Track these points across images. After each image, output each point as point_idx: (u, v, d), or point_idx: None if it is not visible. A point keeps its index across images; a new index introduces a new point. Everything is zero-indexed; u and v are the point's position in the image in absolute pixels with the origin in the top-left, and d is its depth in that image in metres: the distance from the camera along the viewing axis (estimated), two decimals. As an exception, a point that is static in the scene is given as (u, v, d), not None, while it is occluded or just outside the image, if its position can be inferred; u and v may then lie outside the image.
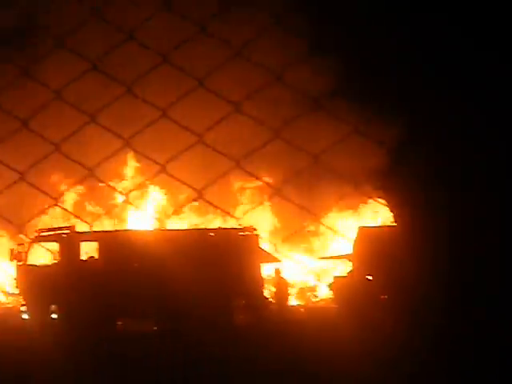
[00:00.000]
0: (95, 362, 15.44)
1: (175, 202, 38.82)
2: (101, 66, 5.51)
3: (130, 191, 38.26)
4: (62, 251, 26.26)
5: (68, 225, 27.28)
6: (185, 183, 5.86)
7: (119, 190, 38.07)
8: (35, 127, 5.56)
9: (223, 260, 25.77)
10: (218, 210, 33.54)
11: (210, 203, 5.70)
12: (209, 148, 5.63)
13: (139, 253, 25.55)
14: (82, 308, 24.85)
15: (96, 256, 26.40)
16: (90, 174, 5.76)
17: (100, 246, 26.25)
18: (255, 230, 27.28)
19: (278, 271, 27.21)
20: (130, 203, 37.65)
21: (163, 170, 5.68)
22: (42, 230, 27.37)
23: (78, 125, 5.74)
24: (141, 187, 40.61)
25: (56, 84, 5.74)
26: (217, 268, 25.53)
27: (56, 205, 6.16)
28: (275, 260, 29.23)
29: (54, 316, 26.21)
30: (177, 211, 37.79)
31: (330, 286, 29.51)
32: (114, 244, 25.99)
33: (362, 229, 29.03)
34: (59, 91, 5.52)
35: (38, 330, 24.13)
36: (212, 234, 27.55)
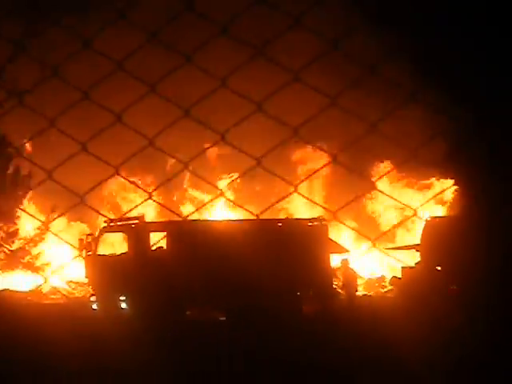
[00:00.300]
0: (165, 351, 15.41)
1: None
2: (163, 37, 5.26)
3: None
4: (131, 241, 26.33)
5: (136, 215, 27.28)
6: (243, 151, 5.58)
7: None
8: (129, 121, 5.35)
9: (292, 250, 25.59)
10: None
11: (269, 171, 5.43)
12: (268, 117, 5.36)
13: (208, 243, 25.49)
14: (152, 298, 24.89)
15: (165, 246, 26.40)
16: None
17: (169, 236, 26.23)
18: (324, 219, 27.02)
19: (345, 262, 26.88)
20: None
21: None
22: (111, 221, 27.50)
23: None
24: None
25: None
26: (286, 258, 25.38)
27: (150, 198, 5.93)
28: (344, 250, 28.97)
29: (124, 306, 26.30)
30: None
31: (393, 279, 29.29)
32: (182, 234, 25.94)
33: (430, 219, 28.58)
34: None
35: (108, 320, 24.23)
36: (281, 224, 27.38)
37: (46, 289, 38.12)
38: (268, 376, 12.70)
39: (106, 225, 27.03)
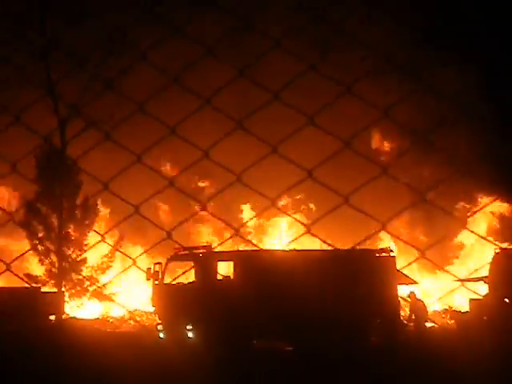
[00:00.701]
0: (232, 381, 15.32)
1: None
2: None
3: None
4: (198, 270, 26.33)
5: (204, 244, 27.35)
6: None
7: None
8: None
9: (360, 280, 25.30)
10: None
11: (358, 209, 5.36)
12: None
13: (275, 272, 25.34)
14: (218, 327, 24.80)
15: (232, 276, 26.35)
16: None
17: (235, 265, 26.19)
18: (392, 250, 26.79)
19: (413, 295, 26.52)
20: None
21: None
22: (178, 249, 27.58)
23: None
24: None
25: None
26: (354, 288, 25.10)
27: (236, 235, 5.89)
28: (412, 282, 28.60)
29: (190, 335, 26.26)
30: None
31: (453, 313, 28.89)
32: (249, 263, 25.86)
33: (499, 251, 28.14)
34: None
35: (174, 349, 24.21)
36: (349, 254, 27.14)
37: (112, 317, 38.44)
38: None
39: (174, 253, 27.12)
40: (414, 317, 26.47)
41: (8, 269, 6.41)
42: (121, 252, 38.40)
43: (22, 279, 36.87)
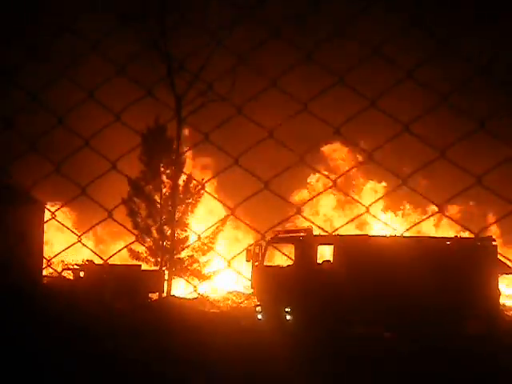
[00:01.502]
0: (329, 364, 15.28)
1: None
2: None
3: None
4: (298, 253, 26.32)
5: (305, 227, 27.28)
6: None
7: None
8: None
9: (460, 269, 24.96)
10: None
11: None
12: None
13: (375, 258, 25.18)
14: (317, 311, 24.80)
15: (331, 260, 26.26)
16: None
17: (335, 249, 26.08)
18: (494, 240, 26.27)
19: None
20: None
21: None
22: (279, 232, 27.62)
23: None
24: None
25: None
26: (453, 277, 24.74)
27: (298, 213, 5.79)
28: (512, 271, 27.95)
29: (288, 318, 26.30)
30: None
31: None
32: (349, 248, 25.73)
33: None
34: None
35: (272, 331, 24.29)
36: (449, 243, 26.71)
37: (211, 297, 38.85)
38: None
39: (274, 235, 27.17)
40: None
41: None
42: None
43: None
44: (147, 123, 37.31)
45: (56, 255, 8.60)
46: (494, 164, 4.91)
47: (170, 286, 37.04)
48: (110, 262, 31.35)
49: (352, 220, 29.29)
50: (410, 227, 41.59)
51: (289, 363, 14.66)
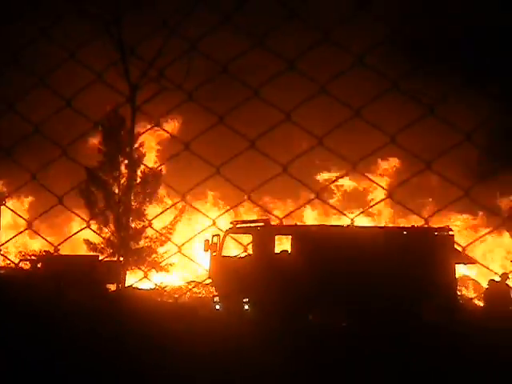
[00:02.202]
0: (287, 355, 15.27)
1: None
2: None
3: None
4: (255, 244, 26.34)
5: (262, 218, 27.34)
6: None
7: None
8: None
9: (417, 259, 25.19)
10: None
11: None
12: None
13: (332, 248, 25.30)
14: (275, 301, 24.85)
15: (289, 249, 26.34)
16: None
17: (293, 239, 26.16)
18: (451, 229, 26.62)
19: (493, 282, 25.51)
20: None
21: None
22: (237, 222, 27.64)
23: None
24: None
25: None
26: (410, 266, 24.98)
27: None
28: (470, 261, 28.29)
29: (247, 308, 26.34)
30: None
31: None
32: (307, 238, 25.82)
33: None
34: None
35: (230, 321, 24.28)
36: (406, 232, 26.96)
37: (169, 288, 38.73)
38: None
39: (231, 226, 27.18)
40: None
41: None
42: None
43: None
44: (102, 110, 37.00)
45: (6, 241, 8.50)
46: (444, 149, 4.95)
47: (125, 276, 36.81)
48: (69, 252, 31.19)
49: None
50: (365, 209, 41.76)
51: (245, 353, 14.63)
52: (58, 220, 42.78)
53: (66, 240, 7.22)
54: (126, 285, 36.76)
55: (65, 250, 30.11)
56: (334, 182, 46.40)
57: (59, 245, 7.02)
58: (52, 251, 33.87)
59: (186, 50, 5.97)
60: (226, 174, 5.49)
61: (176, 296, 36.85)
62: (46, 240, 8.04)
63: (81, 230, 6.81)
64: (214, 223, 5.85)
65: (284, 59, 5.17)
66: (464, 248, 26.02)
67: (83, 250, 37.63)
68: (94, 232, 34.71)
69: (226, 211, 28.87)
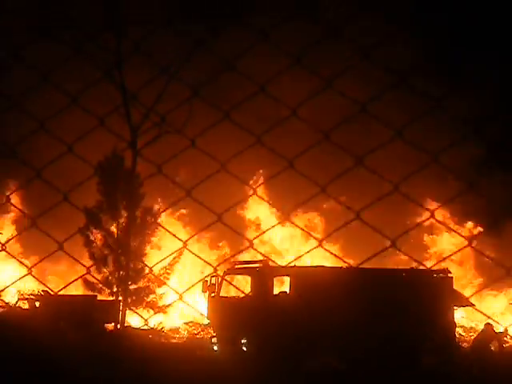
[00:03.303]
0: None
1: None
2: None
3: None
4: (254, 284, 26.34)
5: (261, 259, 27.34)
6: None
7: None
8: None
9: (416, 301, 25.12)
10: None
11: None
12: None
13: (331, 289, 25.23)
14: (273, 342, 24.77)
15: (288, 291, 26.30)
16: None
17: (292, 280, 26.14)
18: (450, 272, 26.60)
19: (490, 326, 25.43)
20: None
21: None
22: (235, 263, 27.67)
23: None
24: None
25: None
26: (409, 308, 24.92)
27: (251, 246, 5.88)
28: (469, 303, 28.25)
29: (245, 349, 26.26)
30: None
31: None
32: (305, 279, 25.80)
33: None
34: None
35: (228, 362, 24.21)
36: (405, 274, 26.94)
37: (167, 328, 38.63)
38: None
39: (230, 267, 27.21)
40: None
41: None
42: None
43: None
44: (104, 154, 37.19)
45: (6, 287, 8.58)
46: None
47: (124, 316, 36.70)
48: (66, 292, 31.08)
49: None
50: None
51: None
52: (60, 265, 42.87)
53: (67, 286, 7.29)
54: (126, 324, 36.69)
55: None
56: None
57: (59, 291, 7.08)
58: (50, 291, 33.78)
59: (188, 96, 6.10)
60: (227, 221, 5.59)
61: (176, 336, 36.80)
62: (44, 285, 8.09)
63: (81, 276, 6.88)
64: (216, 270, 5.94)
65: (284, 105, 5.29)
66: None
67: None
68: (94, 277, 34.83)
69: (226, 260, 28.88)
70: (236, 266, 27.13)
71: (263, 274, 26.28)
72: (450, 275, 26.45)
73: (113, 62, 33.71)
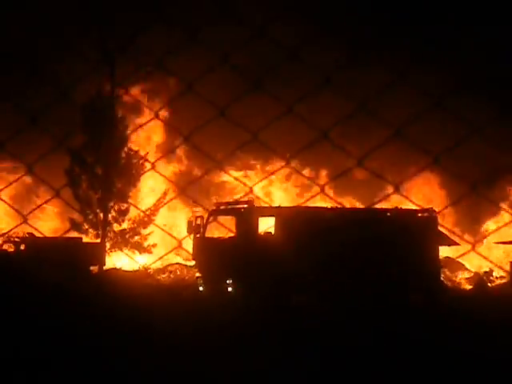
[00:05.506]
0: (270, 335, 15.35)
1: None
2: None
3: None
4: (239, 225, 26.30)
5: (246, 199, 27.28)
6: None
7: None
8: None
9: (401, 240, 25.28)
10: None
11: None
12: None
13: (316, 229, 25.30)
14: (258, 282, 24.86)
15: (273, 231, 26.32)
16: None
17: (277, 221, 26.13)
18: (435, 211, 26.68)
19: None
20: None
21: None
22: (220, 204, 27.63)
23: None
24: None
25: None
26: (394, 248, 25.09)
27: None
28: (453, 243, 28.46)
29: (230, 289, 26.34)
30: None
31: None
32: (290, 219, 25.80)
33: None
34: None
35: (213, 303, 24.33)
36: (390, 214, 27.00)
37: (152, 269, 38.74)
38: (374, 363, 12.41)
39: (215, 207, 27.18)
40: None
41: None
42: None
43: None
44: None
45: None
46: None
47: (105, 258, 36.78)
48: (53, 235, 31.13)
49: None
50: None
51: (229, 333, 14.70)
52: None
53: (34, 210, 7.23)
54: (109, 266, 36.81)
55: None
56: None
57: (27, 215, 7.01)
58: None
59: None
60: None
61: (162, 277, 36.96)
62: (34, 228, 8.05)
63: (50, 199, 6.82)
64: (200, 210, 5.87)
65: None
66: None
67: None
68: (66, 202, 34.69)
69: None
70: (221, 207, 27.10)
71: (248, 214, 26.24)
72: (434, 214, 26.49)
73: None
